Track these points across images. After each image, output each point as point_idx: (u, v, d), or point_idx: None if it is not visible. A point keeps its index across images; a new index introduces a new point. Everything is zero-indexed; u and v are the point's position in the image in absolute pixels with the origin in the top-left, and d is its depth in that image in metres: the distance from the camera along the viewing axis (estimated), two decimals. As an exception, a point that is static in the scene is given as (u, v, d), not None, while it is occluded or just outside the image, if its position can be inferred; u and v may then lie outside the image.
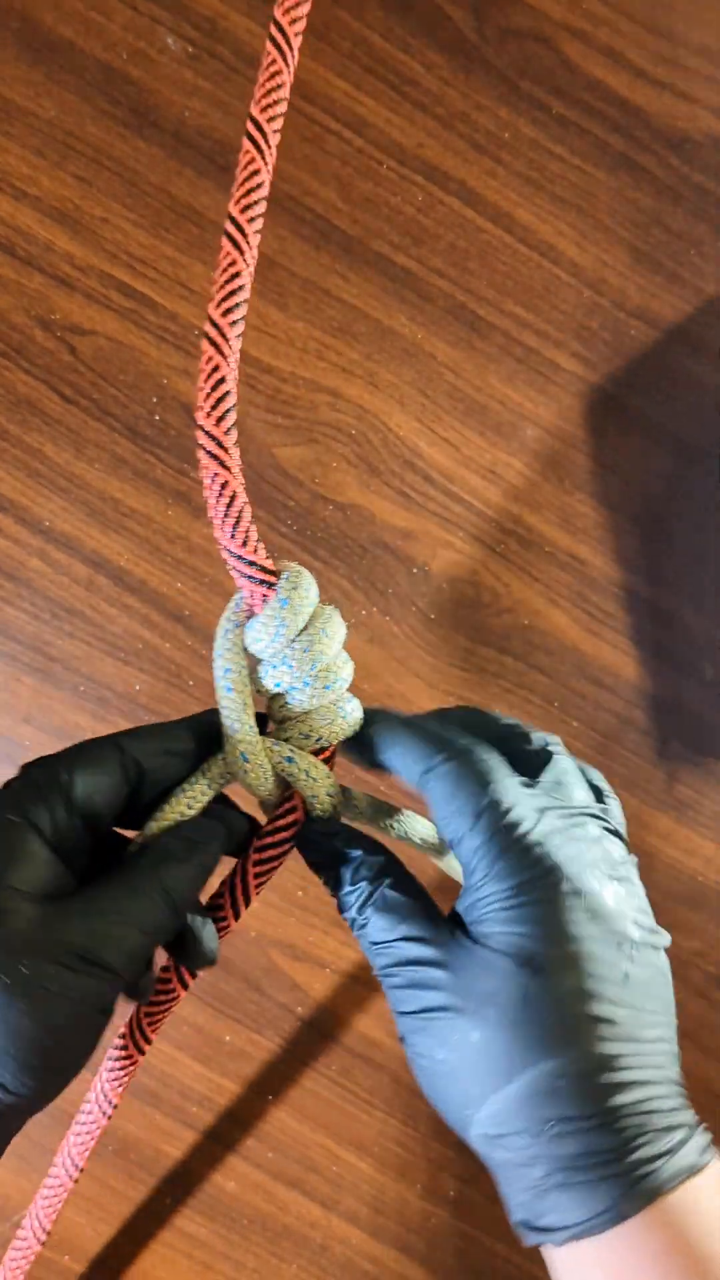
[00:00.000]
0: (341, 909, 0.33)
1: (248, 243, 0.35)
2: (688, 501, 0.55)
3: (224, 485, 0.33)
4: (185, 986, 0.36)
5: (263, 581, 0.33)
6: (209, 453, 0.33)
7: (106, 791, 0.31)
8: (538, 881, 0.28)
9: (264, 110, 0.35)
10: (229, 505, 0.33)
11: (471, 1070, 0.28)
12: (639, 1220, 0.26)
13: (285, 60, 0.36)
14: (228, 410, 0.33)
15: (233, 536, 0.33)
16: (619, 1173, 0.27)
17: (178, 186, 0.53)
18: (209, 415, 0.33)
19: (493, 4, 0.53)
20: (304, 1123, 0.56)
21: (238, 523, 0.33)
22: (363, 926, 0.31)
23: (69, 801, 0.31)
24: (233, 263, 0.35)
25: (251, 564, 0.33)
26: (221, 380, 0.34)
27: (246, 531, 0.33)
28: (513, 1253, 0.57)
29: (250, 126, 0.35)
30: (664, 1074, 0.28)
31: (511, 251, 0.54)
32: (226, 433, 0.33)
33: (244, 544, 0.33)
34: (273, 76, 0.35)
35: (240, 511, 0.33)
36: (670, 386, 0.55)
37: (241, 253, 0.34)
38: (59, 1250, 0.56)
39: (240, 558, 0.33)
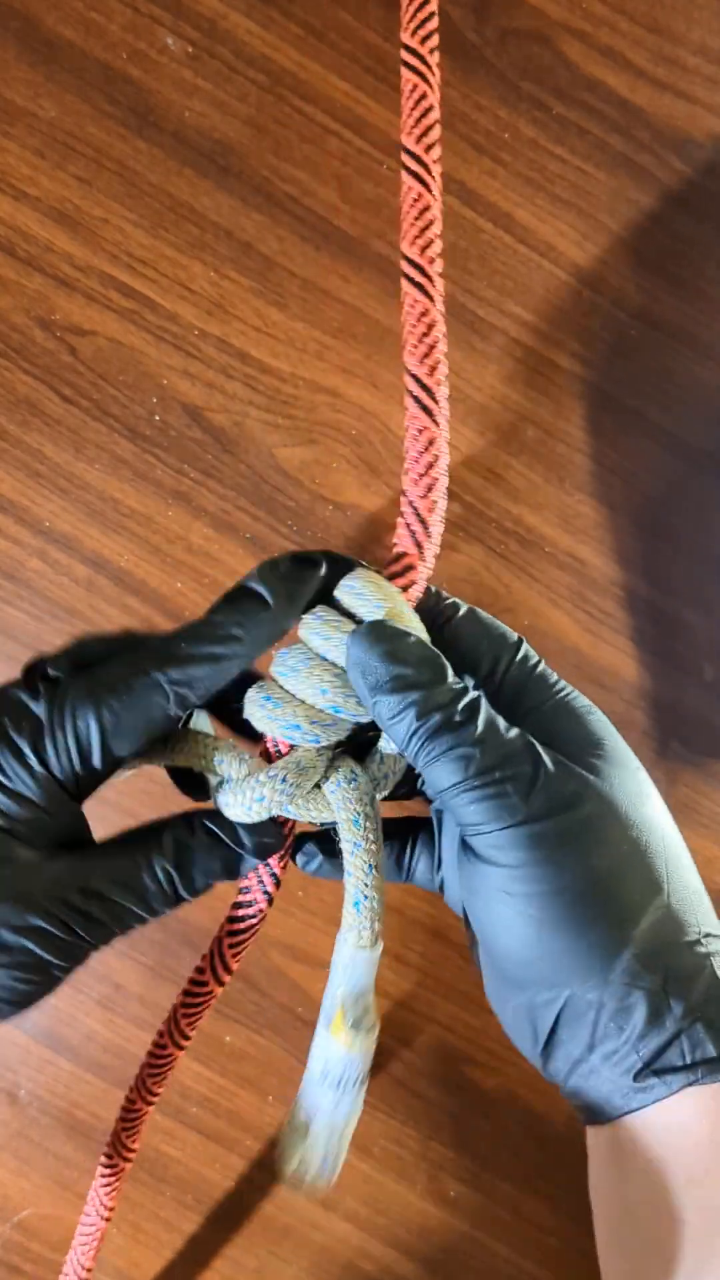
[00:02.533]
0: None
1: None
2: (688, 502, 0.55)
3: (431, 443, 0.29)
4: (220, 984, 0.33)
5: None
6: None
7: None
8: None
9: (419, 140, 0.30)
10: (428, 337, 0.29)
11: (634, 872, 0.26)
12: None
13: (428, 82, 0.31)
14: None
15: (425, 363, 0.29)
16: None
17: (178, 187, 0.53)
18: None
19: (493, 4, 0.53)
20: (304, 1123, 0.56)
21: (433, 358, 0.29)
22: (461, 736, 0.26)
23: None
24: (431, 322, 0.30)
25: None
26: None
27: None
28: (513, 1253, 0.57)
29: (408, 159, 0.30)
30: None
31: (511, 252, 0.54)
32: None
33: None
34: (419, 103, 0.30)
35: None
36: (670, 387, 0.55)
37: (431, 300, 0.30)
38: (59, 1251, 0.56)
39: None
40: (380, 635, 0.28)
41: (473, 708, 0.27)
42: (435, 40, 0.33)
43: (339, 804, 0.29)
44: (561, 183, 0.54)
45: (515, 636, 0.32)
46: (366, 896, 0.29)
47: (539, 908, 0.25)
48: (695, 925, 0.26)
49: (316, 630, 0.30)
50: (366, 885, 0.29)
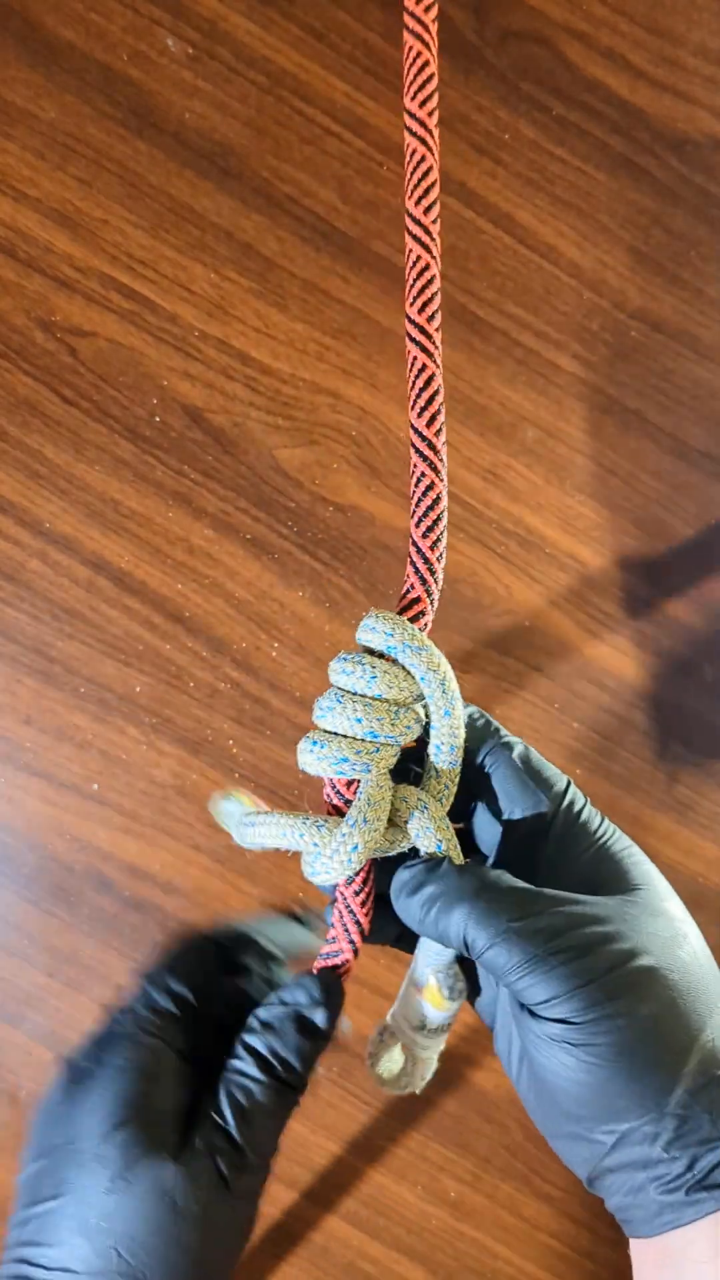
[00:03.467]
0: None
1: (435, 346, 0.34)
2: (688, 503, 0.55)
3: (431, 487, 0.33)
4: None
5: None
6: (420, 454, 0.33)
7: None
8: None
9: (418, 204, 0.34)
10: (432, 505, 0.33)
11: (679, 1015, 0.28)
12: None
13: (430, 149, 0.34)
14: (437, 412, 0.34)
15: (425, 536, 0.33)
16: None
17: (178, 188, 0.53)
18: (420, 415, 0.33)
19: (493, 5, 0.53)
20: (305, 1124, 0.56)
21: (435, 521, 0.33)
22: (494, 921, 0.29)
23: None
24: (430, 375, 0.34)
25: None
26: (423, 369, 0.33)
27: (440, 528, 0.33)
28: (512, 1254, 0.57)
29: (410, 223, 0.34)
30: None
31: (511, 253, 0.54)
32: (438, 433, 0.33)
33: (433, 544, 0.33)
34: (418, 166, 0.34)
35: (440, 510, 0.33)
36: (670, 388, 0.55)
37: (431, 357, 0.34)
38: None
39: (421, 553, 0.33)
40: (402, 888, 0.31)
41: (492, 880, 0.30)
42: (435, 104, 0.36)
43: (419, 832, 0.32)
44: (562, 183, 0.54)
45: (564, 781, 0.34)
46: None
47: (596, 1057, 0.28)
48: None
49: (344, 670, 0.32)
50: None
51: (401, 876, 0.31)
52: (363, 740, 0.31)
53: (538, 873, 0.32)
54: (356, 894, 0.33)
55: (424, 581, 0.33)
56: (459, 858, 0.32)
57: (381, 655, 0.32)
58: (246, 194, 0.53)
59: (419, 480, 0.33)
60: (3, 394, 0.53)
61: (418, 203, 0.35)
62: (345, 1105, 0.56)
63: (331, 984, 0.32)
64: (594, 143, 0.54)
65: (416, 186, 0.35)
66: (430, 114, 0.36)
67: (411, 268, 0.34)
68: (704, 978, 0.30)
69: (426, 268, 0.35)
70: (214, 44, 0.53)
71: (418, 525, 0.33)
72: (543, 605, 0.55)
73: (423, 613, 0.33)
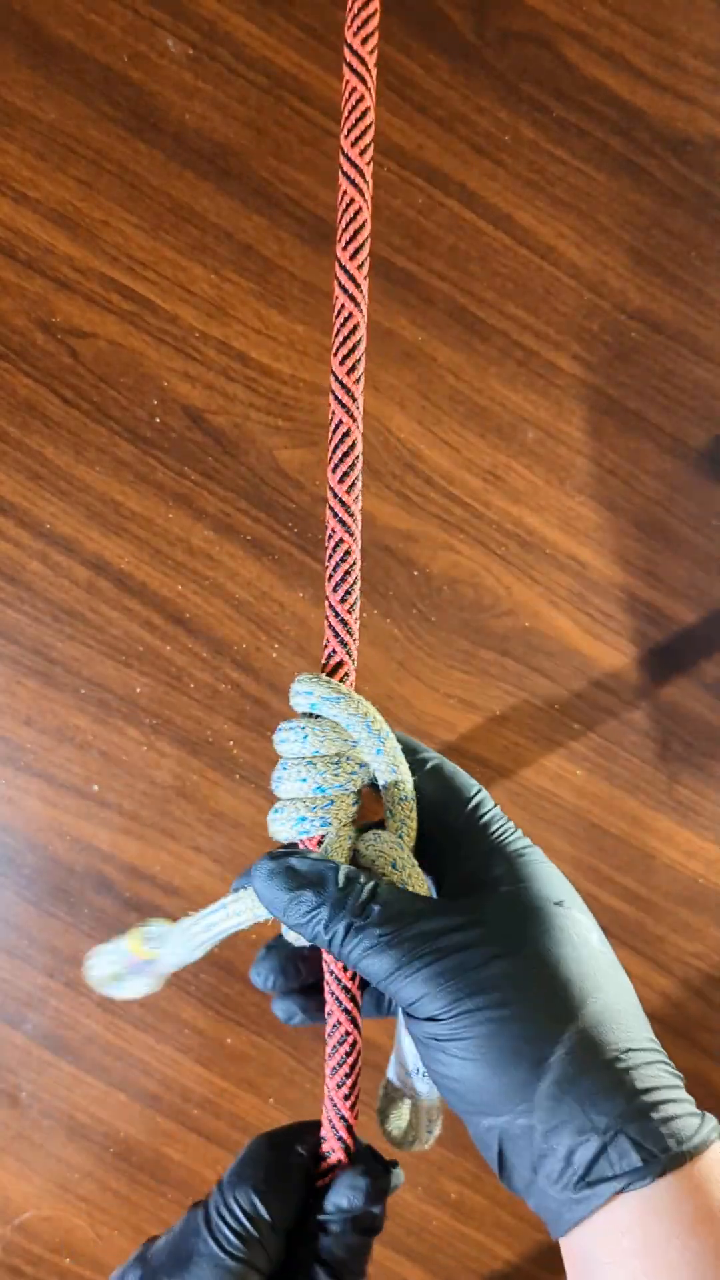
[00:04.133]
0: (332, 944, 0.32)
1: (361, 295, 0.35)
2: (688, 503, 0.55)
3: (340, 543, 0.35)
4: (349, 1151, 0.36)
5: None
6: (336, 515, 0.35)
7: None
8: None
9: (354, 145, 0.34)
10: (343, 565, 0.35)
11: (543, 1007, 0.29)
12: (676, 1178, 0.27)
13: (366, 85, 0.35)
14: (353, 471, 0.35)
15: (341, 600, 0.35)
16: (666, 1119, 0.28)
17: (178, 189, 0.53)
18: (334, 474, 0.35)
19: (493, 6, 0.53)
20: (305, 1124, 0.56)
21: (349, 586, 0.35)
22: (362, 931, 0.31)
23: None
24: (350, 317, 0.35)
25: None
26: (347, 434, 0.35)
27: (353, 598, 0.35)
28: (512, 1254, 0.57)
29: (345, 164, 0.35)
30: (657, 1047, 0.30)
31: (512, 254, 0.54)
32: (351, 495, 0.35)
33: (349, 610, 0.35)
34: (356, 105, 0.34)
35: (352, 573, 0.35)
36: (670, 389, 0.55)
37: (357, 305, 0.35)
38: (60, 1253, 0.56)
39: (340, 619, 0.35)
40: (266, 872, 0.32)
41: (367, 902, 0.31)
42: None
43: (375, 856, 0.33)
44: (562, 184, 0.54)
45: (475, 788, 0.35)
46: None
47: (465, 1052, 0.29)
48: (614, 1043, 0.29)
49: (281, 739, 0.34)
50: None
51: (267, 870, 0.32)
52: (314, 797, 0.33)
53: (440, 871, 0.33)
54: (343, 967, 0.34)
55: (343, 643, 0.35)
56: (422, 888, 0.33)
57: (310, 715, 0.34)
58: (246, 195, 0.53)
59: (333, 542, 0.35)
60: (3, 395, 0.53)
61: (354, 145, 0.35)
62: (346, 1106, 0.56)
63: (377, 1173, 0.34)
64: (594, 143, 0.54)
65: (354, 126, 0.35)
66: (371, 49, 0.36)
67: (344, 210, 0.35)
68: (579, 969, 0.30)
69: (359, 210, 0.35)
70: (214, 45, 0.53)
71: (334, 590, 0.35)
72: (543, 605, 0.55)
73: (342, 665, 0.35)
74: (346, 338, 0.35)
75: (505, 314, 0.54)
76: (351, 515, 0.35)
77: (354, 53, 0.34)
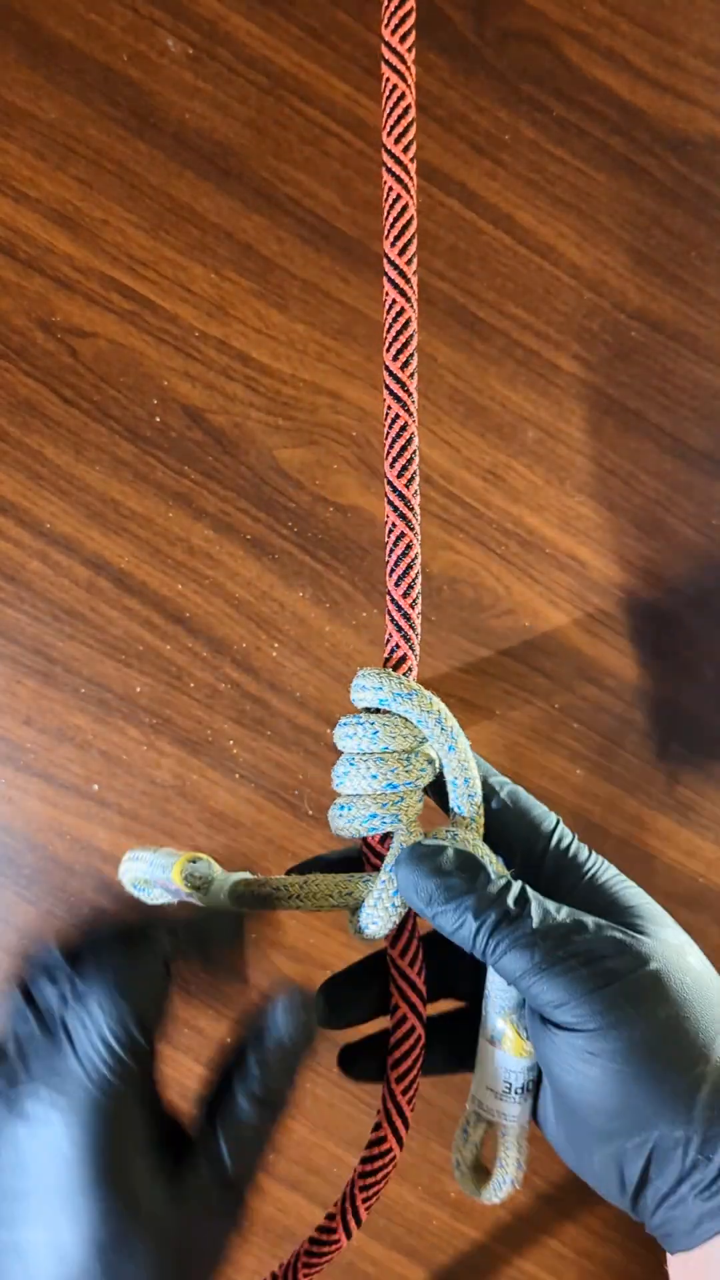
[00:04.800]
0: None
1: (410, 287, 0.35)
2: (688, 503, 0.55)
3: (403, 538, 0.34)
4: (349, 1235, 0.35)
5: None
6: (397, 511, 0.35)
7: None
8: None
9: (397, 141, 0.35)
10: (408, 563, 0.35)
11: (695, 1015, 0.29)
12: None
13: (406, 81, 0.35)
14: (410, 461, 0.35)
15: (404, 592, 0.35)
16: None
17: (178, 189, 0.53)
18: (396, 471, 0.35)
19: (493, 6, 0.53)
20: (304, 1124, 0.56)
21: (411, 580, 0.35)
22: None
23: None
24: (401, 311, 0.35)
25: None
26: (404, 429, 0.35)
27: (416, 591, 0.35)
28: (513, 1254, 0.57)
29: (388, 159, 0.35)
30: None
31: (512, 253, 0.54)
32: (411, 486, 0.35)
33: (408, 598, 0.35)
34: (398, 103, 0.34)
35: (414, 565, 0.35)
36: (670, 388, 0.55)
37: (408, 299, 0.35)
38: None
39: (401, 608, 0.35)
40: (419, 855, 0.31)
41: (522, 899, 0.30)
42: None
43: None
44: (562, 184, 0.54)
45: (553, 819, 0.35)
46: None
47: (621, 1062, 0.28)
48: None
49: (347, 734, 0.34)
50: None
51: (420, 853, 0.31)
52: (385, 793, 0.33)
53: None
54: (403, 954, 0.34)
55: (405, 637, 0.35)
56: (503, 871, 0.32)
57: (378, 710, 0.34)
58: (246, 194, 0.53)
59: (394, 536, 0.35)
60: (3, 394, 0.53)
61: (396, 141, 0.35)
62: (345, 1105, 0.56)
63: (301, 998, 0.32)
64: (594, 143, 0.54)
65: (397, 124, 0.36)
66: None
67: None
68: (712, 985, 0.30)
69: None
70: (214, 44, 0.53)
71: (397, 584, 0.34)
72: (543, 605, 0.55)
73: (405, 660, 0.35)
74: (399, 334, 0.35)
75: (505, 313, 0.54)
76: (411, 509, 0.35)
77: (393, 50, 0.35)
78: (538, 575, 0.55)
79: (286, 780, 0.55)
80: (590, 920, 0.30)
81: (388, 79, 0.35)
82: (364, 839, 0.34)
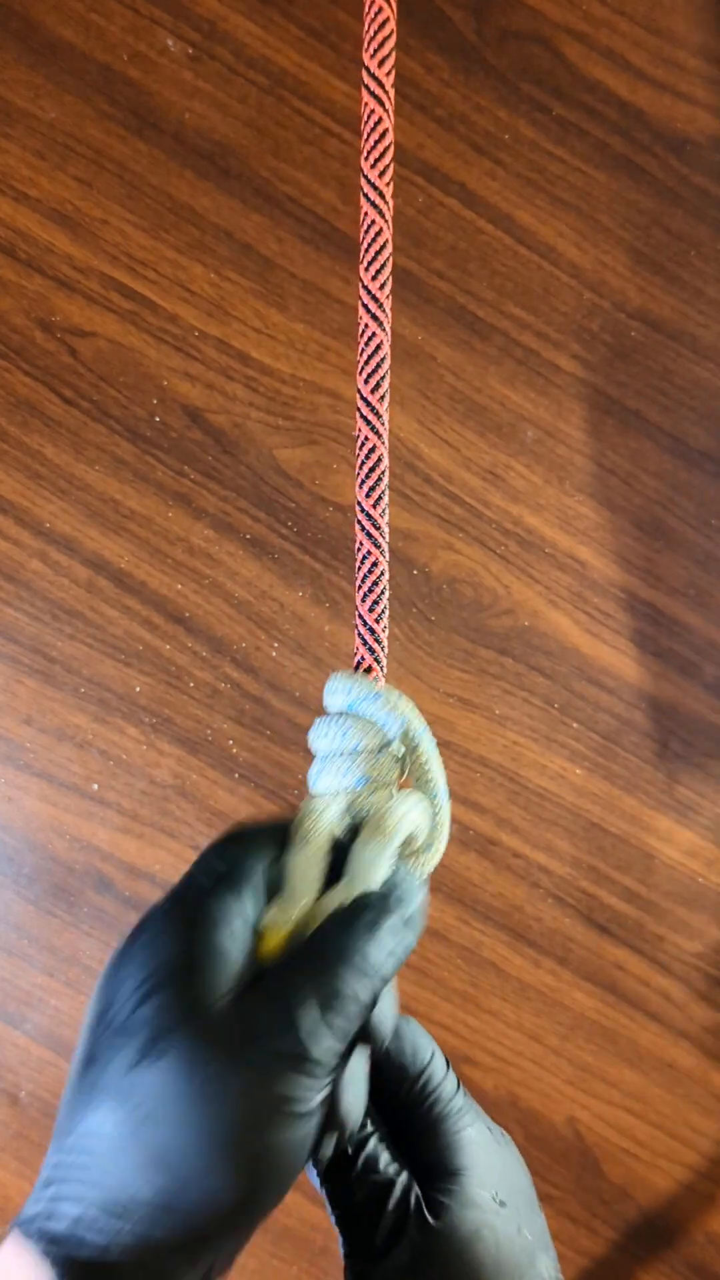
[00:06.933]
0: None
1: (385, 315, 0.36)
2: (688, 503, 0.55)
3: (368, 556, 0.36)
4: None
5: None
6: (365, 531, 0.36)
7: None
8: None
9: (374, 167, 0.35)
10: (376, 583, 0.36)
11: None
12: None
13: (385, 109, 0.35)
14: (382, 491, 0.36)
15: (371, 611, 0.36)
16: None
17: (178, 188, 0.53)
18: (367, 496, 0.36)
19: (492, 5, 0.53)
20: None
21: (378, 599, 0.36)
22: None
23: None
24: (374, 336, 0.36)
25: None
26: (373, 451, 0.36)
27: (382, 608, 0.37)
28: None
29: (365, 186, 0.36)
30: None
31: (511, 253, 0.54)
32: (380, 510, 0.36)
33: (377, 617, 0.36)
34: (375, 127, 0.35)
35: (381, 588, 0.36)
36: (670, 388, 0.55)
37: (381, 325, 0.36)
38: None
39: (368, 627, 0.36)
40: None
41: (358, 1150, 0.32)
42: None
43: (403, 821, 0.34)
44: (562, 184, 0.54)
45: (426, 1057, 0.34)
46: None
47: None
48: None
49: (321, 734, 0.35)
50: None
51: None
52: (356, 790, 0.35)
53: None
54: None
55: (371, 650, 0.37)
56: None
57: (346, 713, 0.36)
58: (246, 194, 0.53)
59: (362, 554, 0.36)
60: (3, 394, 0.53)
61: (374, 167, 0.37)
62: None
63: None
64: (594, 143, 0.54)
65: (374, 149, 0.37)
66: (387, 71, 0.36)
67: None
68: (500, 1262, 0.32)
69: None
70: (214, 44, 0.53)
71: (363, 600, 0.36)
72: (543, 605, 0.55)
73: (371, 670, 0.37)
74: (370, 356, 0.36)
75: (505, 313, 0.54)
76: (380, 530, 0.37)
77: (372, 75, 0.35)
78: (538, 575, 0.55)
79: (286, 780, 0.55)
80: (399, 1185, 0.31)
81: (366, 104, 0.35)
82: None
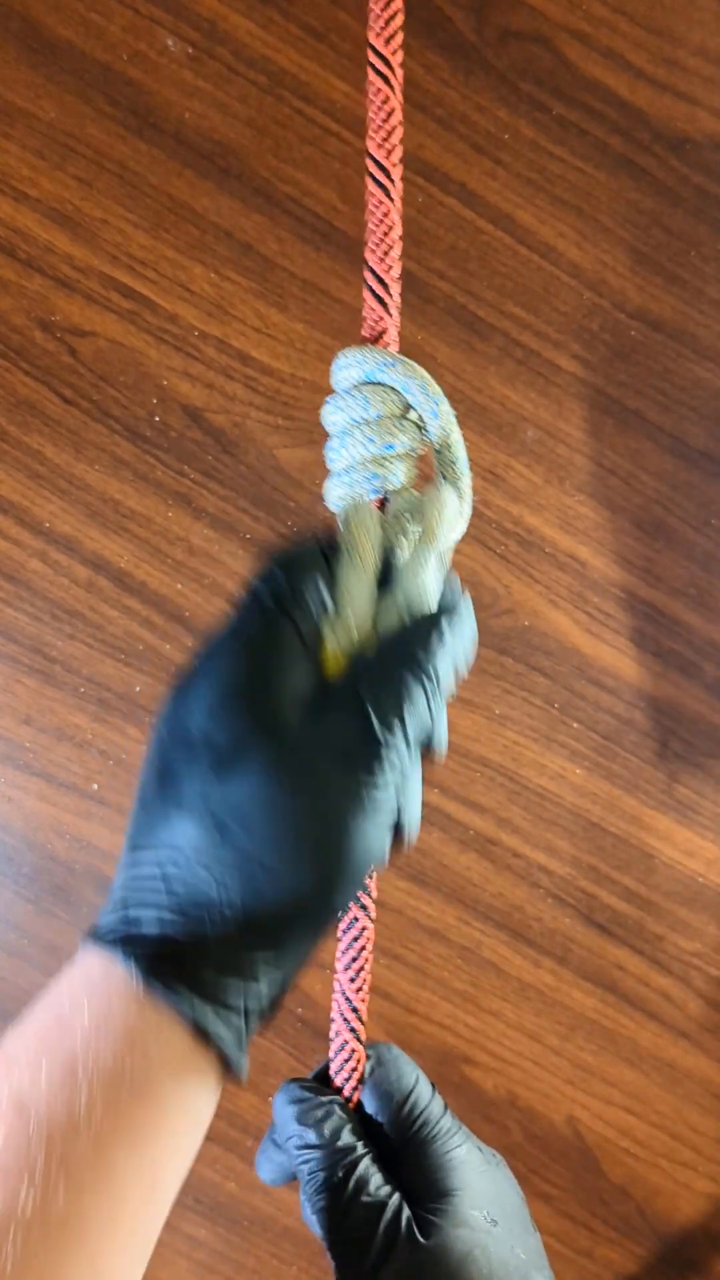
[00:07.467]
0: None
1: (392, 300, 0.35)
2: (688, 502, 0.55)
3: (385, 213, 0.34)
4: (360, 1041, 0.36)
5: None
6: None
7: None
8: None
9: (380, 147, 0.35)
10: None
11: None
12: None
13: (391, 87, 0.35)
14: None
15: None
16: None
17: (178, 188, 0.53)
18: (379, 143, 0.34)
19: (493, 5, 0.53)
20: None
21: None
22: None
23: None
24: (380, 320, 0.35)
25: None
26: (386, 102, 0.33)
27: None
28: (513, 1253, 0.57)
29: (371, 166, 0.35)
30: None
31: (511, 253, 0.54)
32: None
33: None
34: (382, 106, 0.34)
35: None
36: (670, 388, 0.55)
37: (388, 311, 0.35)
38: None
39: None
40: (300, 1102, 0.36)
41: (349, 1169, 0.33)
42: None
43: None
44: (562, 184, 0.54)
45: (410, 1082, 0.35)
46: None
47: None
48: None
49: (338, 407, 0.34)
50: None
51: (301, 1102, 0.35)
52: (382, 455, 0.34)
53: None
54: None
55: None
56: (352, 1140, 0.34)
57: (363, 383, 0.35)
58: (246, 194, 0.53)
59: (377, 212, 0.34)
60: (3, 394, 0.53)
61: (379, 147, 0.36)
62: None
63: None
64: (594, 143, 0.54)
65: (380, 128, 0.36)
66: (395, 50, 0.36)
67: (373, 208, 0.35)
68: (504, 1277, 0.32)
69: (389, 212, 0.36)
70: (214, 44, 0.53)
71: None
72: (543, 605, 0.55)
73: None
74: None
75: (505, 313, 0.54)
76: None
77: (378, 54, 0.34)
78: (537, 575, 0.55)
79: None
80: (390, 1206, 0.32)
81: (373, 83, 0.35)
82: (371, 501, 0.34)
